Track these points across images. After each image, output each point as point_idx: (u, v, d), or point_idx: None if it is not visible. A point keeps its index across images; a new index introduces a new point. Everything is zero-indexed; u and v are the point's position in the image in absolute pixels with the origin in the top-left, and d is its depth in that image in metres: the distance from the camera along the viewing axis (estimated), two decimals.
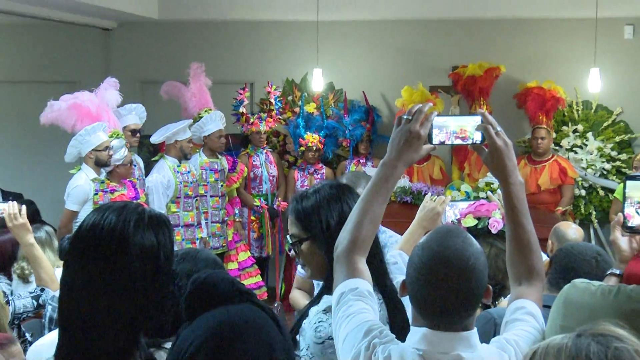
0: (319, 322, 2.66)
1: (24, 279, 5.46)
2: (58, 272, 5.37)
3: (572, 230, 4.51)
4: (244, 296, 1.82)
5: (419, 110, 2.32)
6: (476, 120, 2.31)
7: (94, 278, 1.91)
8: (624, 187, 2.47)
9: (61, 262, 5.14)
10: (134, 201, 2.21)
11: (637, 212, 2.43)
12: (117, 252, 1.91)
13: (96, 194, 6.62)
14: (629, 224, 2.44)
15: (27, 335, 4.38)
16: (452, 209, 3.71)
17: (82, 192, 6.58)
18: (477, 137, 2.31)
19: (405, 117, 2.33)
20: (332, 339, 2.55)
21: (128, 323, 1.91)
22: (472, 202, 3.56)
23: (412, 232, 3.49)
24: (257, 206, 8.56)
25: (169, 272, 2.02)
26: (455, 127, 2.33)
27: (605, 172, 8.68)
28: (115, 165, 6.87)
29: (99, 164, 6.74)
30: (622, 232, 2.53)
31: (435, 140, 2.34)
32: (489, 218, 3.42)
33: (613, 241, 2.52)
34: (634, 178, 2.48)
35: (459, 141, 2.35)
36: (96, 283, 1.90)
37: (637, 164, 7.48)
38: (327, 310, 2.63)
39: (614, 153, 8.73)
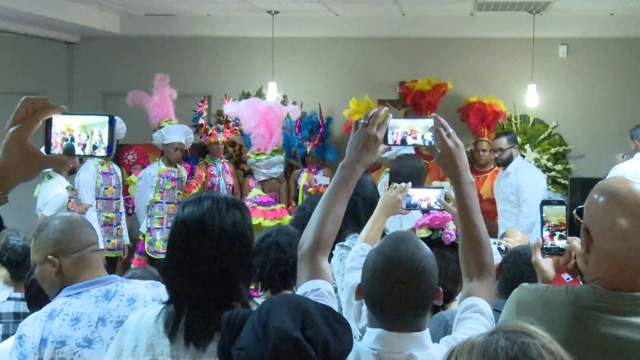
0: (341, 255, 3.39)
1: None
2: None
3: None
4: None
5: (375, 114, 2.29)
6: (427, 122, 2.28)
7: (199, 252, 2.32)
8: (541, 212, 2.37)
9: None
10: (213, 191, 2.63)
11: (553, 235, 2.36)
12: (216, 229, 2.32)
13: (69, 201, 6.84)
14: (547, 246, 2.37)
15: None
16: (412, 195, 3.58)
17: (61, 200, 6.78)
18: (428, 137, 2.28)
19: (362, 121, 2.30)
20: (353, 261, 3.12)
21: (229, 281, 2.32)
22: (427, 214, 3.46)
23: (376, 219, 3.42)
24: None
25: (252, 240, 2.47)
26: (406, 128, 2.30)
27: None
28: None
29: (72, 172, 7.08)
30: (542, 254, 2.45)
31: (390, 141, 2.30)
32: (443, 229, 3.35)
33: (535, 263, 2.40)
34: (548, 203, 2.40)
35: (411, 141, 2.31)
36: (201, 254, 2.32)
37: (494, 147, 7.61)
38: (341, 247, 3.55)
39: (549, 164, 8.80)
